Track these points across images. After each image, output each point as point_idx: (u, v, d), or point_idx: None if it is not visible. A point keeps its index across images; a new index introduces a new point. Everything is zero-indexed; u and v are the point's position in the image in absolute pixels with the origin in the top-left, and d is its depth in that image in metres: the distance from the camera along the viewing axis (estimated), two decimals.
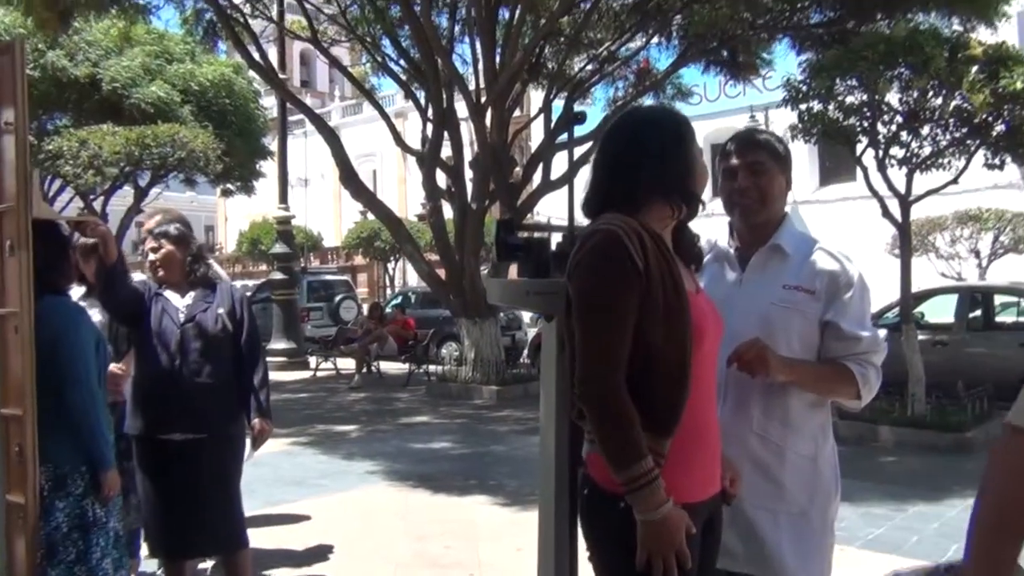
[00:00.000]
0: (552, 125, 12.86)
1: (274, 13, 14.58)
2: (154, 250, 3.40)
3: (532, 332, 15.63)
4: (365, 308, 16.85)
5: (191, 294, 3.40)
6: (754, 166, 2.17)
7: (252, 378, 3.42)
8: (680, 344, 1.73)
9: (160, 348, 3.28)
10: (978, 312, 10.59)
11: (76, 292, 3.94)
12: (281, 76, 13.47)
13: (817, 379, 2.14)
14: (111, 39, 16.05)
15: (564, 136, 12.22)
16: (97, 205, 15.27)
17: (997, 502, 1.22)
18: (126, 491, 3.34)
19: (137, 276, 3.60)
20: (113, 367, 3.55)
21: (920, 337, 8.57)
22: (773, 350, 2.02)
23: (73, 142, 13.76)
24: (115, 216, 15.85)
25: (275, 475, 6.57)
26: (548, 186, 12.53)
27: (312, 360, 15.20)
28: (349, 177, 12.41)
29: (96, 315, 3.48)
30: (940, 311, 10.75)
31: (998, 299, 10.86)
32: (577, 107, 12.87)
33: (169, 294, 3.39)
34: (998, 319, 10.76)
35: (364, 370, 13.49)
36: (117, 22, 14.22)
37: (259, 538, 4.53)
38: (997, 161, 8.04)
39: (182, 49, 17.68)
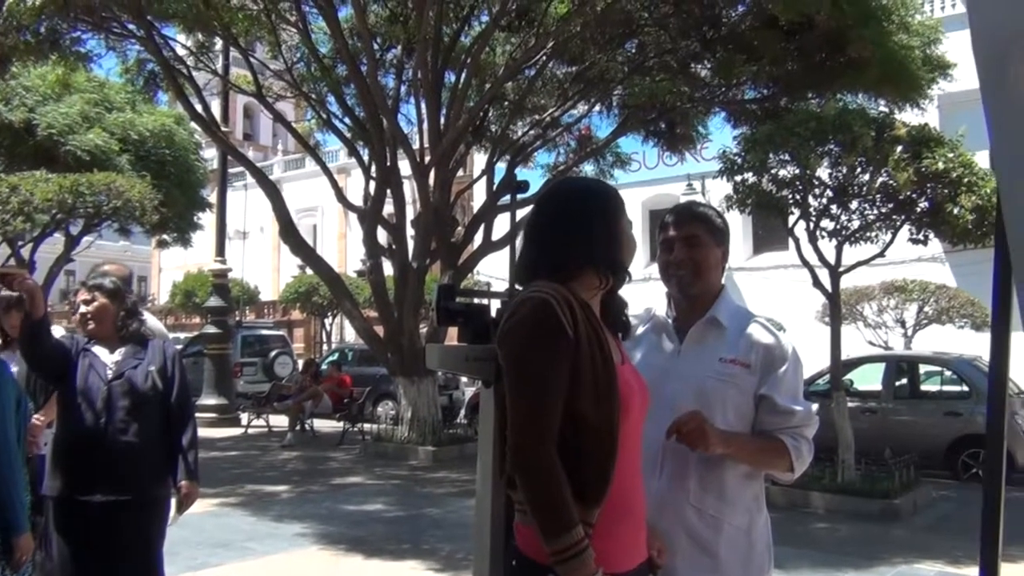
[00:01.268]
0: (494, 187, 13.02)
1: (219, 67, 14.56)
2: (86, 302, 3.29)
3: (469, 392, 15.54)
4: (300, 364, 16.58)
5: (121, 350, 3.29)
6: (690, 239, 2.21)
7: (181, 439, 3.31)
8: (608, 414, 1.73)
9: (85, 405, 3.15)
10: (904, 381, 10.91)
11: None
12: (223, 129, 13.41)
13: (753, 452, 2.16)
14: (49, 85, 15.80)
15: (506, 198, 12.40)
16: (25, 252, 14.81)
17: None
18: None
19: (58, 330, 3.49)
20: (33, 419, 3.42)
21: (849, 404, 8.77)
22: (712, 423, 2.04)
23: (3, 187, 13.37)
24: (43, 264, 15.36)
25: (199, 537, 6.33)
26: (489, 247, 12.61)
27: (244, 417, 14.83)
28: (289, 232, 12.32)
29: (13, 365, 3.36)
30: (868, 379, 11.04)
31: (923, 368, 11.19)
32: (519, 171, 13.13)
33: (98, 349, 3.27)
34: (923, 388, 11.08)
35: (297, 428, 13.21)
36: (56, 68, 14.03)
37: None
38: (921, 236, 8.38)
39: (122, 98, 17.46)
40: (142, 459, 3.19)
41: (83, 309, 3.29)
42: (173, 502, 3.35)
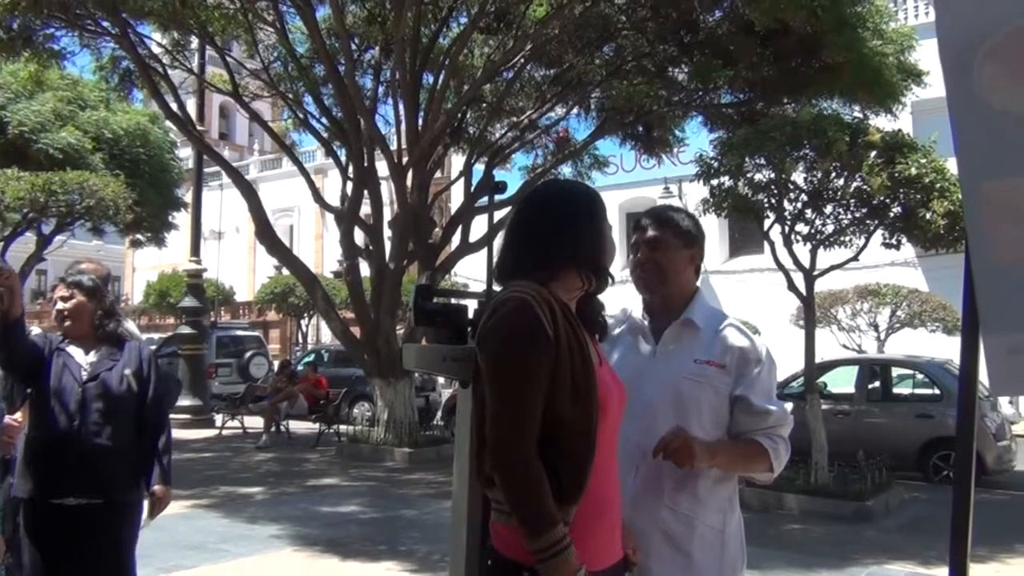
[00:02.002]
0: (472, 189, 13.02)
1: (195, 65, 14.44)
2: (64, 299, 3.23)
3: (446, 393, 15.52)
4: (276, 365, 16.47)
5: (96, 351, 3.22)
6: (653, 242, 2.24)
7: (156, 442, 3.26)
8: (587, 413, 1.74)
9: (59, 407, 3.09)
10: (877, 384, 11.03)
11: None
12: (199, 128, 13.31)
13: (735, 458, 2.19)
14: (21, 82, 15.59)
15: (484, 200, 12.42)
16: None
17: None
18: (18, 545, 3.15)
19: (33, 329, 3.44)
20: (8, 419, 3.37)
21: (823, 407, 8.85)
22: (697, 439, 2.06)
23: None
24: (14, 262, 15.14)
25: (172, 539, 6.26)
26: (466, 248, 12.60)
27: (218, 418, 14.70)
28: (265, 232, 12.25)
29: None
30: (842, 382, 11.15)
31: (895, 371, 11.32)
32: (497, 174, 13.14)
33: (72, 349, 3.20)
34: (896, 390, 11.22)
35: (273, 429, 13.12)
36: (28, 65, 13.85)
37: None
38: (894, 240, 8.49)
39: (96, 96, 17.27)
40: (116, 462, 3.14)
41: (60, 306, 3.23)
42: (146, 504, 3.32)
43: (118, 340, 3.30)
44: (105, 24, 11.46)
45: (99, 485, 3.09)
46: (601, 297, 2.01)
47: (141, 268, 41.07)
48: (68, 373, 3.14)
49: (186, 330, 15.37)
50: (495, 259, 1.95)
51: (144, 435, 3.25)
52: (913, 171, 7.70)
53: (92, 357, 3.21)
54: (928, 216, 7.75)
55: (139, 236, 18.68)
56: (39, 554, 3.10)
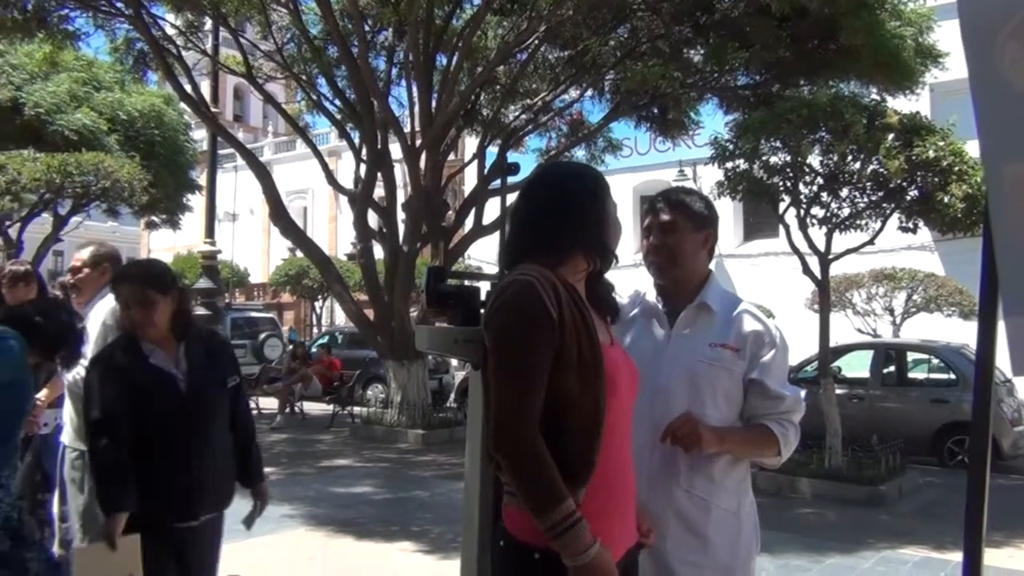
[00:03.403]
0: (485, 171, 12.99)
1: (208, 47, 14.43)
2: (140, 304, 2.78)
3: (459, 376, 15.56)
4: (290, 347, 16.54)
5: (182, 349, 2.84)
6: (665, 225, 2.24)
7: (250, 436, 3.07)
8: (594, 395, 1.74)
9: (165, 422, 2.74)
10: (892, 368, 10.98)
11: None
12: (213, 110, 13.30)
13: (743, 444, 2.19)
14: (36, 63, 15.64)
15: (497, 182, 12.38)
16: (13, 232, 14.72)
17: None
18: (41, 522, 3.18)
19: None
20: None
21: (837, 391, 8.82)
22: (704, 424, 2.06)
23: None
24: (31, 244, 15.29)
25: None
26: (480, 231, 12.59)
27: None
28: (279, 214, 12.27)
29: None
30: (856, 366, 11.11)
31: (911, 356, 11.27)
32: (510, 156, 13.10)
33: (158, 351, 2.80)
34: (911, 375, 11.16)
35: (287, 410, 13.21)
36: (43, 46, 13.88)
37: None
38: (911, 224, 8.41)
39: (111, 77, 17.31)
40: (229, 465, 2.99)
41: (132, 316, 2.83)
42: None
43: (197, 334, 2.96)
44: (119, 5, 11.47)
45: (224, 496, 2.95)
46: (614, 281, 2.00)
47: (156, 250, 41.24)
48: (162, 383, 2.78)
49: (201, 311, 15.42)
50: (501, 249, 1.95)
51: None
52: (931, 154, 7.63)
53: (183, 361, 2.83)
54: (946, 199, 7.68)
55: (154, 218, 18.77)
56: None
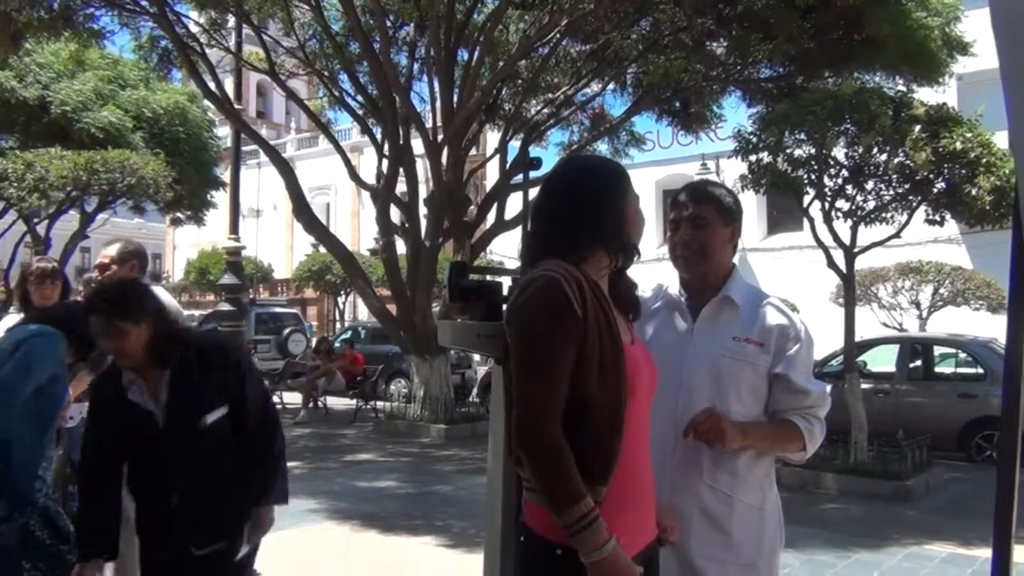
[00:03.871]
0: (507, 166, 12.98)
1: (231, 44, 14.52)
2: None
3: (482, 371, 15.59)
4: (314, 341, 16.65)
5: (166, 376, 2.63)
6: (696, 219, 2.20)
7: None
8: (615, 392, 1.73)
9: (143, 458, 2.64)
10: (918, 363, 10.85)
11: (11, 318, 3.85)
12: (236, 106, 13.39)
13: (767, 439, 2.17)
14: (62, 62, 15.82)
15: (519, 177, 12.37)
16: (41, 229, 14.91)
17: None
18: (71, 515, 3.20)
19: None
20: None
21: (863, 386, 8.74)
22: (728, 419, 2.04)
23: (19, 164, 13.45)
24: (59, 240, 15.47)
25: None
26: (502, 226, 12.59)
27: None
28: (302, 210, 12.34)
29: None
30: (882, 360, 10.99)
31: (937, 350, 11.13)
32: (532, 150, 13.08)
33: (136, 384, 2.63)
34: (937, 370, 11.02)
35: (310, 405, 13.30)
36: (69, 45, 14.02)
37: None
38: (937, 217, 8.31)
39: (136, 75, 17.48)
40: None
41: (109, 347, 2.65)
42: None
43: (186, 353, 2.69)
44: (143, 3, 11.57)
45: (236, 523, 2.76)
46: (635, 276, 1.98)
47: (181, 246, 41.67)
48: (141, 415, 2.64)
49: (225, 307, 15.53)
50: (523, 245, 1.94)
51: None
52: (958, 145, 7.53)
53: (164, 390, 2.64)
54: (973, 192, 7.58)
55: (179, 214, 18.96)
56: None
